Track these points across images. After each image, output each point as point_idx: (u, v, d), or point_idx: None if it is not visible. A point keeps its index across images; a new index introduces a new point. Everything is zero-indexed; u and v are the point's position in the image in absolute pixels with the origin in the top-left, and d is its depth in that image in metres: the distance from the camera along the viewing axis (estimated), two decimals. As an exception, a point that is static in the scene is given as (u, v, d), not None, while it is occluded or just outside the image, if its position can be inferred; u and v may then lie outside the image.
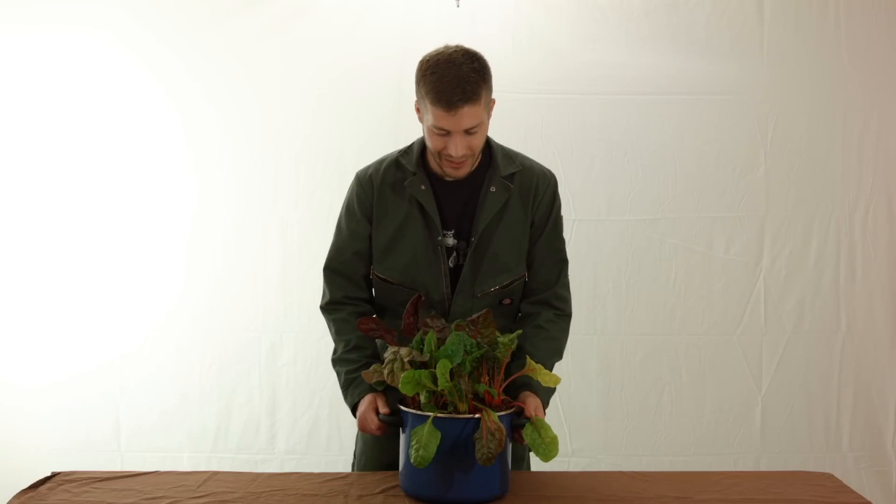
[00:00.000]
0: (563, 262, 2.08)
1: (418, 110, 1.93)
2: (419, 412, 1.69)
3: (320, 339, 3.13)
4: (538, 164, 2.08)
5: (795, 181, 3.16)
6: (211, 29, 3.11)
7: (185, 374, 3.17)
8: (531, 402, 1.84)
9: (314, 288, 3.02)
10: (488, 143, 2.03)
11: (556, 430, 3.22)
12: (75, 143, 3.15)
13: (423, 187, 1.97)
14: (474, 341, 1.71)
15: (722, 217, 3.16)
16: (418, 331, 1.80)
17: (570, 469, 2.99)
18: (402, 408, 1.74)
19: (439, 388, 1.66)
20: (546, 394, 1.93)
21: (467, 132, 1.84)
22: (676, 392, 3.18)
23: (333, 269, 2.08)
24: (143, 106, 3.14)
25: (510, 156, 2.04)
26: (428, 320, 1.79)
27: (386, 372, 1.74)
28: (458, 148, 1.85)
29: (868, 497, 1.97)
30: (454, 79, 1.79)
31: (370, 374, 1.82)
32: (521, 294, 2.07)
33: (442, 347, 1.70)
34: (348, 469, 2.18)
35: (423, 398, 1.70)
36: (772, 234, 3.16)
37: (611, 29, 3.13)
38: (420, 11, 3.03)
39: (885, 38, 3.13)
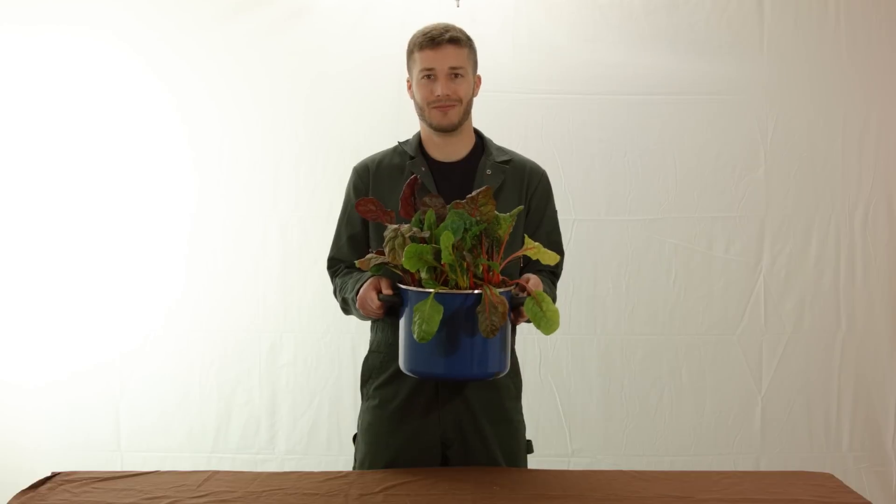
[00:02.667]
0: (560, 254, 2.13)
1: (409, 87, 2.06)
2: (420, 289, 1.69)
3: (320, 339, 3.15)
4: (530, 159, 2.16)
5: (795, 181, 3.16)
6: (211, 28, 3.11)
7: (185, 374, 3.17)
8: (533, 280, 1.86)
9: (314, 288, 3.03)
10: (480, 136, 2.13)
11: (555, 430, 3.26)
12: (76, 143, 3.15)
13: (423, 168, 2.05)
14: (473, 219, 1.72)
15: (722, 217, 3.16)
16: (416, 211, 1.80)
17: (571, 469, 2.99)
18: (403, 286, 1.74)
19: (442, 262, 1.67)
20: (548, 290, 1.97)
21: (452, 75, 1.98)
22: (676, 392, 3.18)
23: (332, 258, 2.15)
24: (143, 105, 3.14)
25: (503, 149, 2.14)
26: (426, 199, 1.78)
27: (387, 250, 1.73)
28: (443, 87, 1.97)
29: (868, 497, 1.97)
30: (439, 26, 2.02)
31: (366, 262, 1.81)
32: (517, 273, 2.09)
33: (442, 224, 1.71)
34: (348, 469, 2.18)
35: (423, 275, 1.70)
36: (772, 234, 3.16)
37: (611, 29, 3.13)
38: (420, 11, 3.03)
39: (885, 38, 3.13)
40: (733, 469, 3.01)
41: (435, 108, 2.00)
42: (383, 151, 2.14)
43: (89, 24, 3.11)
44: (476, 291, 1.67)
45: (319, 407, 3.18)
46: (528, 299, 1.71)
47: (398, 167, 2.07)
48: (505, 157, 2.09)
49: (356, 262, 1.87)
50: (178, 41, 3.12)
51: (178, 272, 3.17)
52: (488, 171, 2.05)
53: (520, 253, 1.83)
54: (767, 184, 3.16)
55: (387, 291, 1.84)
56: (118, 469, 2.57)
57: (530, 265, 2.10)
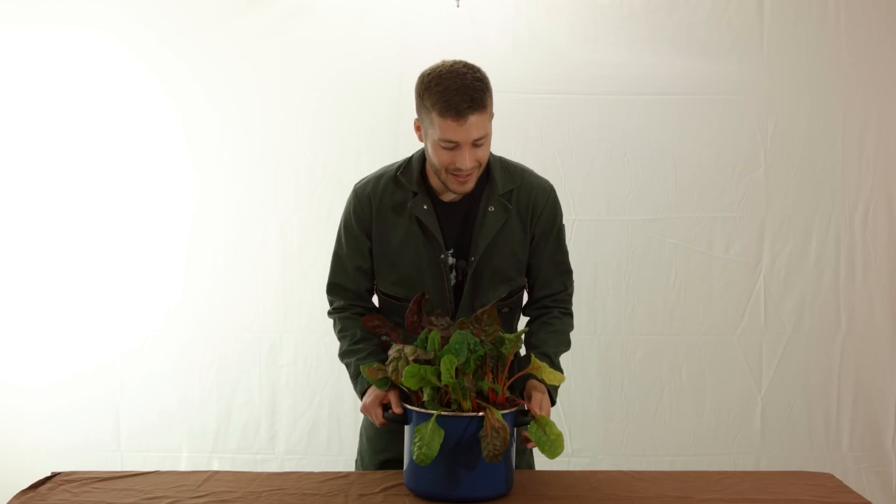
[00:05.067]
0: (567, 273, 2.09)
1: (418, 129, 1.90)
2: (423, 410, 1.69)
3: (320, 339, 3.14)
4: (536, 176, 2.05)
5: (795, 181, 3.16)
6: (211, 28, 3.11)
7: (185, 374, 3.17)
8: (536, 398, 1.82)
9: (314, 288, 3.03)
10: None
11: (556, 429, 3.22)
12: (75, 143, 3.15)
13: (425, 207, 1.96)
14: (478, 339, 1.71)
15: (722, 217, 3.16)
16: (423, 329, 1.80)
17: (571, 469, 2.98)
18: (407, 405, 1.74)
19: (443, 384, 1.66)
20: (553, 387, 1.92)
21: (475, 144, 1.82)
22: (676, 392, 3.18)
23: (336, 284, 2.08)
24: (143, 106, 3.14)
25: (508, 170, 2.01)
26: (433, 318, 1.79)
27: (391, 370, 1.74)
28: (466, 161, 1.82)
29: (868, 497, 1.97)
30: (461, 88, 1.78)
31: (374, 372, 1.81)
32: (521, 302, 2.09)
33: (446, 346, 1.70)
34: (348, 469, 2.18)
35: (426, 396, 1.70)
36: (772, 234, 3.16)
37: (611, 29, 3.13)
38: (420, 11, 3.03)
39: (885, 38, 3.13)
40: (733, 469, 3.01)
41: (453, 174, 1.86)
42: (385, 176, 2.01)
43: (89, 24, 3.10)
44: (479, 414, 1.66)
45: (319, 407, 3.18)
46: (532, 423, 1.70)
47: (400, 204, 1.98)
48: (510, 186, 1.98)
49: (362, 368, 1.84)
50: (178, 41, 3.12)
51: (178, 272, 3.17)
52: (491, 209, 1.96)
53: (525, 372, 1.82)
54: (767, 184, 3.16)
55: (396, 410, 1.80)
56: (118, 469, 2.56)
57: (535, 294, 2.08)
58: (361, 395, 1.95)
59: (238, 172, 3.16)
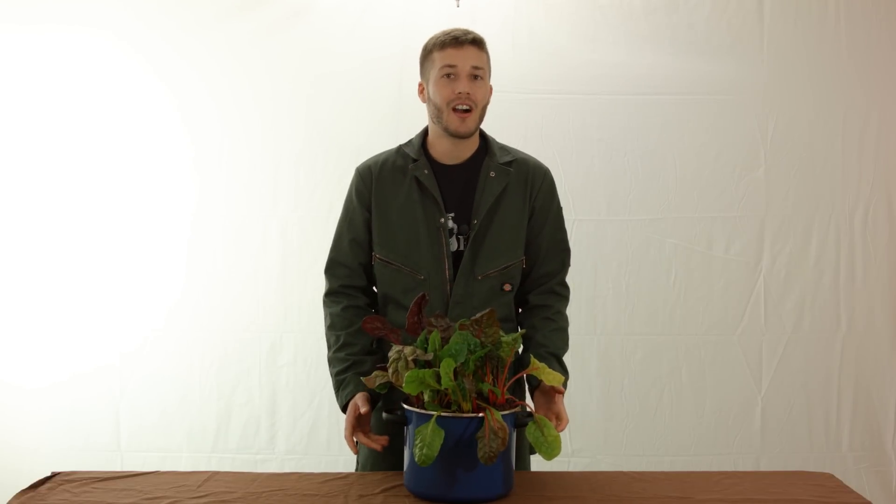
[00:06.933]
0: (566, 251, 2.15)
1: (422, 91, 2.04)
2: (423, 411, 1.69)
3: (320, 339, 3.09)
4: (533, 157, 2.14)
5: (795, 181, 3.16)
6: (211, 28, 3.11)
7: (185, 375, 3.17)
8: (561, 411, 1.90)
9: (314, 288, 3.03)
10: (484, 136, 2.11)
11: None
12: (76, 143, 3.15)
13: (425, 171, 2.03)
14: (478, 340, 1.71)
15: (722, 217, 3.16)
16: (422, 330, 1.80)
17: (571, 469, 2.99)
18: (407, 406, 1.74)
19: (443, 388, 1.67)
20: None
21: (472, 77, 1.96)
22: (676, 392, 3.18)
23: (332, 259, 2.13)
24: (143, 105, 3.15)
25: (505, 148, 2.13)
26: (432, 319, 1.79)
27: (391, 371, 1.74)
28: (465, 85, 1.95)
29: (868, 497, 1.97)
30: (459, 29, 2.01)
31: (372, 380, 1.82)
32: (519, 279, 2.10)
33: (446, 346, 1.70)
34: (348, 469, 2.18)
35: (426, 397, 1.70)
36: (772, 234, 3.17)
37: (611, 29, 3.13)
38: (420, 11, 3.04)
39: (886, 38, 3.13)
40: (733, 469, 3.01)
41: (454, 111, 1.96)
42: (386, 152, 2.12)
43: (89, 24, 3.11)
44: (479, 415, 1.66)
45: (319, 407, 3.18)
46: (530, 423, 1.71)
47: (401, 169, 2.06)
48: (508, 158, 2.07)
49: (363, 378, 1.85)
50: (179, 41, 3.12)
51: (178, 272, 3.17)
52: (492, 174, 2.04)
53: (524, 373, 1.84)
54: (767, 184, 3.16)
55: (364, 410, 1.87)
56: (118, 469, 2.56)
57: (533, 273, 2.10)
58: (342, 408, 1.99)
59: (238, 172, 3.16)
